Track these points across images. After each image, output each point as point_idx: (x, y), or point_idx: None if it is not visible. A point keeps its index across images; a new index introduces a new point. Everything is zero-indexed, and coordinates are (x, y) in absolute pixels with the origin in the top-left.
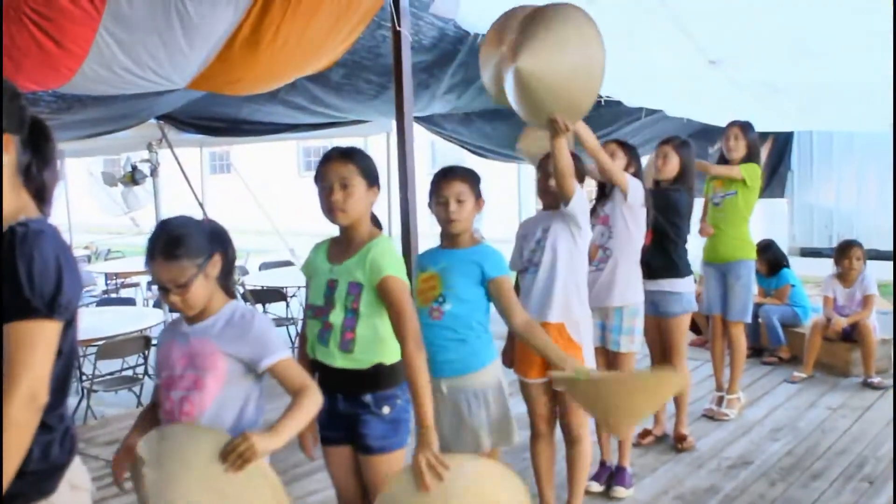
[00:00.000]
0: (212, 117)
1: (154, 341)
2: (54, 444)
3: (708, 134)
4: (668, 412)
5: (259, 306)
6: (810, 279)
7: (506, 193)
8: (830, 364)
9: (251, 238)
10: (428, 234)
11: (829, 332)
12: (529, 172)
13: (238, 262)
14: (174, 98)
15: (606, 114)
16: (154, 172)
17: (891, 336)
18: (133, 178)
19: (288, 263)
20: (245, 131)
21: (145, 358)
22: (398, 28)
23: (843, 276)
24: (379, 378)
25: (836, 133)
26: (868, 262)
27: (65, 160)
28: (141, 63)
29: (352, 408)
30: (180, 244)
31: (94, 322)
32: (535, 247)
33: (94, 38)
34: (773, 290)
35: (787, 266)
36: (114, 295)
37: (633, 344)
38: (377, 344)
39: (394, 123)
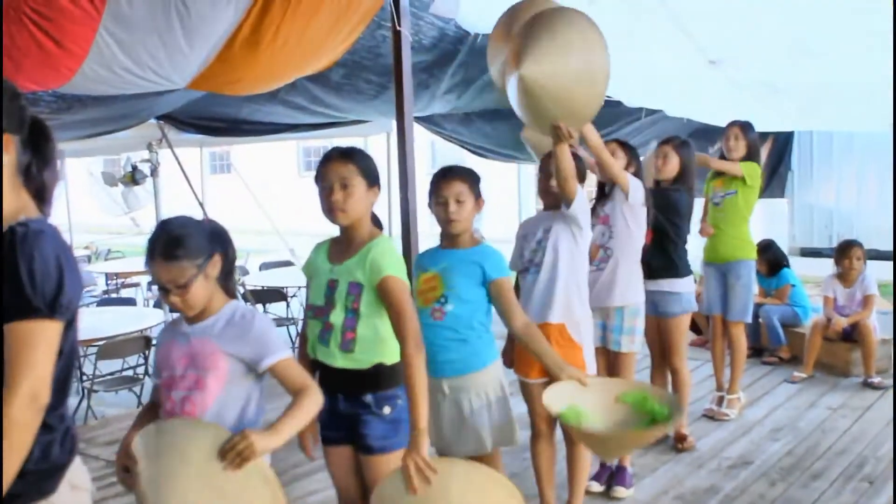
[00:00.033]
0: (212, 117)
1: (154, 341)
2: (55, 444)
3: (708, 134)
4: None
5: (259, 306)
6: (810, 279)
7: (506, 193)
8: (830, 364)
9: (251, 238)
10: (428, 234)
11: (830, 332)
12: (529, 172)
13: (238, 262)
14: (174, 98)
15: (606, 114)
16: (154, 172)
17: (891, 336)
18: (133, 178)
19: (288, 263)
20: (245, 131)
21: (146, 358)
22: (398, 28)
23: (844, 276)
24: (379, 378)
25: (836, 133)
26: (868, 262)
27: (65, 160)
28: (141, 63)
29: (352, 408)
30: (180, 244)
31: (94, 322)
32: (535, 247)
33: (94, 38)
34: (773, 290)
35: (788, 266)
36: (114, 295)
37: (634, 344)
38: (378, 344)
39: (394, 123)
